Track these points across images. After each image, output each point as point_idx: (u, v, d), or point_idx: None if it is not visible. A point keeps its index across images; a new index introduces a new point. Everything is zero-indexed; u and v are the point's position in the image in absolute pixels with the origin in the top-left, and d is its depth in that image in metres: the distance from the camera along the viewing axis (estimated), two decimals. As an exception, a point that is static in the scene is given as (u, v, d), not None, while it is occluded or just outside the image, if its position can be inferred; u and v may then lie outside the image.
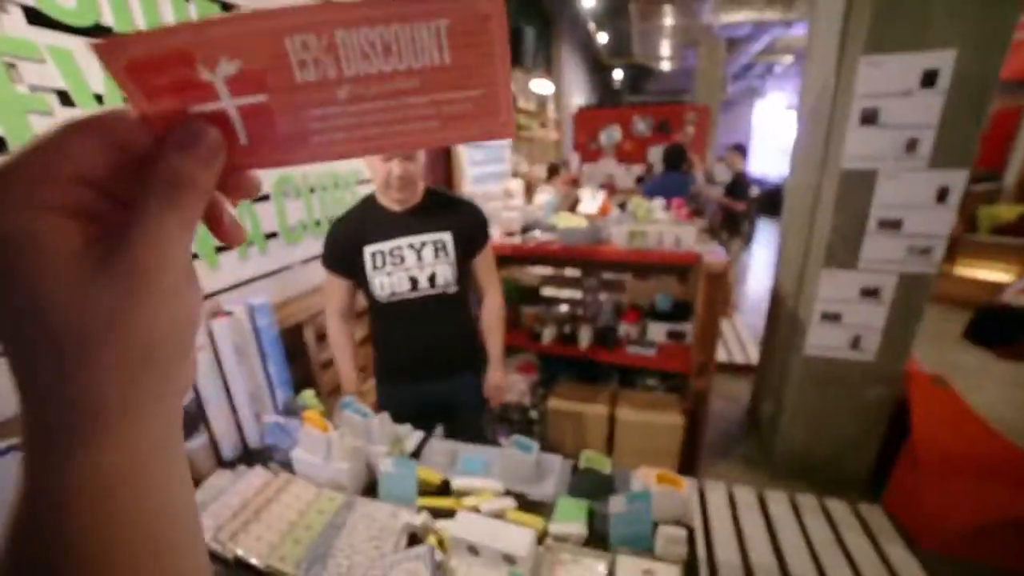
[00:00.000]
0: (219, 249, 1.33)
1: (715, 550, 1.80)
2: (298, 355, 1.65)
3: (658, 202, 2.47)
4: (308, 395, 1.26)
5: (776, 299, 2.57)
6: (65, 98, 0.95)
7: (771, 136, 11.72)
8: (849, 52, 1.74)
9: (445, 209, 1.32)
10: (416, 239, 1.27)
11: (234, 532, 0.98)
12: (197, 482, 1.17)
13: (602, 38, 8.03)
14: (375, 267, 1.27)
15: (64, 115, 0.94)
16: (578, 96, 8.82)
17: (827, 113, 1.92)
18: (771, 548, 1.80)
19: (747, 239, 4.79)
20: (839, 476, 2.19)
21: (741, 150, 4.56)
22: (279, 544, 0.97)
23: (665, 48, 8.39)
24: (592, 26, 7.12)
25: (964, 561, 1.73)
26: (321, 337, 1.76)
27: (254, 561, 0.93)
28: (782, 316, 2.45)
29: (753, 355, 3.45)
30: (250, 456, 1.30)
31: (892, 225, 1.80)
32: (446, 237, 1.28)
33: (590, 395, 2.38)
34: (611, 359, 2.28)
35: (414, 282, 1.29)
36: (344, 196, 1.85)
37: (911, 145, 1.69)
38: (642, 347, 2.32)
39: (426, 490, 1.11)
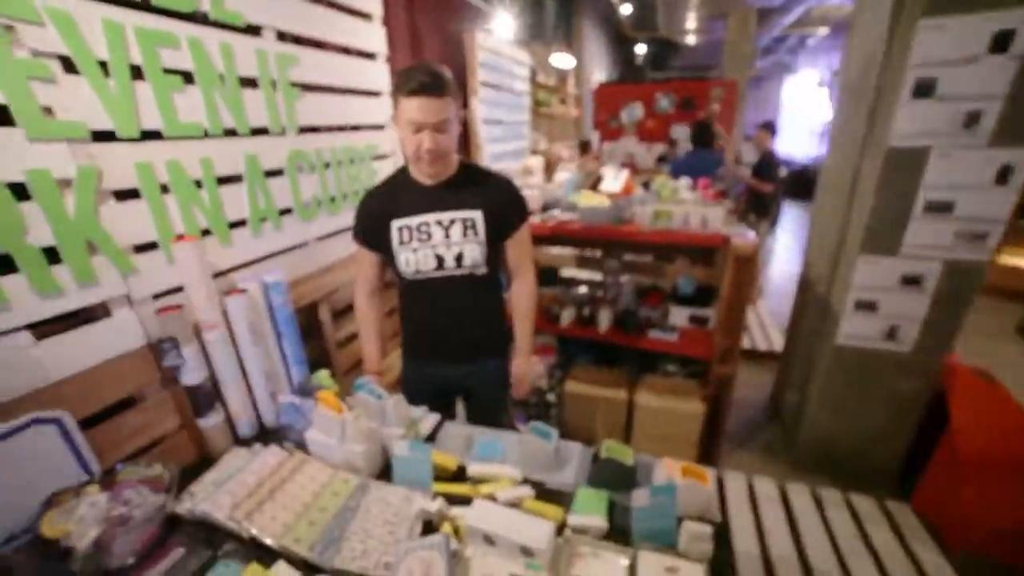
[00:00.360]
0: (232, 225, 1.29)
1: (734, 542, 1.76)
2: (313, 334, 1.63)
3: (684, 182, 2.36)
4: (323, 375, 1.23)
5: (805, 285, 2.46)
6: (69, 64, 0.91)
7: (800, 115, 11.21)
8: (905, 15, 1.59)
9: (478, 185, 1.25)
10: (445, 215, 1.21)
11: (249, 511, 0.97)
12: (214, 459, 1.16)
13: (625, 10, 7.69)
14: (401, 242, 1.22)
15: (68, 83, 0.90)
16: (599, 72, 8.53)
17: (873, 86, 1.78)
18: (792, 542, 1.75)
19: (774, 222, 4.61)
20: (864, 470, 2.12)
21: (771, 128, 4.34)
22: (294, 525, 0.95)
23: (691, 20, 8.01)
24: (616, -3, 6.81)
25: (999, 564, 1.66)
26: (337, 315, 1.74)
27: (269, 541, 0.92)
28: (811, 303, 2.34)
29: (777, 342, 3.35)
30: (266, 435, 1.29)
31: (941, 208, 1.67)
32: (476, 216, 1.21)
33: (609, 379, 2.34)
34: (631, 343, 2.22)
35: (440, 260, 1.23)
36: (360, 172, 1.80)
37: (971, 119, 1.54)
38: (664, 331, 2.25)
39: (441, 475, 1.09)
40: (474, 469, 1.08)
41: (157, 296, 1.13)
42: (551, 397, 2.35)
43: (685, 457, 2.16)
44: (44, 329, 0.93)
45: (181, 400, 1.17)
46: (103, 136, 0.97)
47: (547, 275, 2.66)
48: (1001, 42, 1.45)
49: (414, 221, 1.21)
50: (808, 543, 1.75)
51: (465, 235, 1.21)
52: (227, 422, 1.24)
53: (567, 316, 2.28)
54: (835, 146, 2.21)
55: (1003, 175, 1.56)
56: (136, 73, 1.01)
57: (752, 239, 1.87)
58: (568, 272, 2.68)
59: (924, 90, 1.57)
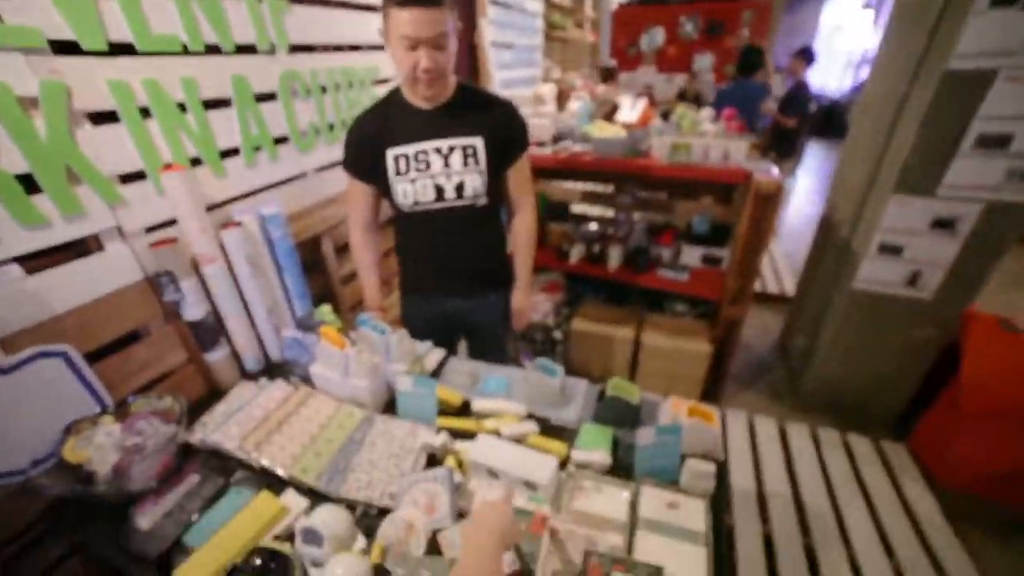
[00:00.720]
0: (224, 154, 1.22)
1: (731, 478, 1.81)
2: (316, 268, 1.60)
3: (706, 112, 2.19)
4: (325, 310, 1.22)
5: (826, 227, 2.35)
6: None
7: (838, 43, 10.23)
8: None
9: (478, 109, 1.15)
10: (444, 143, 1.13)
11: (258, 442, 0.99)
12: (222, 392, 1.18)
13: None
14: (398, 172, 1.15)
15: None
16: (619, -11, 7.76)
17: (937, -2, 1.56)
18: (787, 479, 1.81)
19: (797, 161, 4.36)
20: (867, 415, 2.14)
21: (807, 56, 3.94)
22: (301, 455, 0.97)
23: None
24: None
25: (981, 500, 1.70)
26: (340, 250, 1.70)
27: (279, 471, 0.94)
28: (831, 246, 2.25)
29: (788, 286, 3.29)
30: (272, 369, 1.30)
31: (997, 143, 1.52)
32: (477, 142, 1.13)
33: (616, 318, 2.32)
34: (640, 282, 2.18)
35: (440, 191, 1.16)
36: (360, 97, 1.67)
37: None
38: (674, 271, 2.19)
39: (446, 410, 1.10)
40: (479, 404, 1.08)
41: (150, 230, 1.08)
42: (557, 334, 2.36)
43: (689, 396, 2.20)
44: (37, 263, 0.90)
45: (185, 334, 1.17)
46: (65, 49, 0.87)
47: (557, 210, 2.57)
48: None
49: (411, 149, 1.13)
50: (803, 481, 1.80)
51: (466, 163, 1.14)
52: (233, 356, 1.25)
53: (576, 253, 2.22)
54: (879, 74, 2.00)
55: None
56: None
57: (776, 176, 1.75)
58: (578, 208, 2.59)
59: (1005, -3, 1.37)
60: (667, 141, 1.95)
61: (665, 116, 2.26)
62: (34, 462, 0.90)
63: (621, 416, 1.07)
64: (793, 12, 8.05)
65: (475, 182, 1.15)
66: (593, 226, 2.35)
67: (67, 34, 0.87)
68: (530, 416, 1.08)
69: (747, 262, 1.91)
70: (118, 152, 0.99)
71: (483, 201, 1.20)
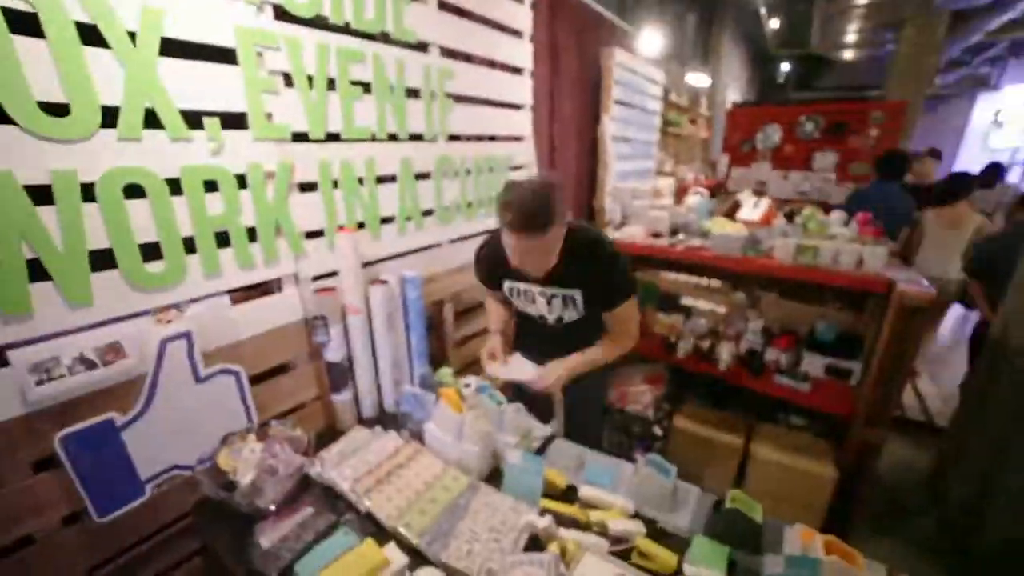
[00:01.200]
0: (384, 220, 1.42)
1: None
2: (435, 330, 1.72)
3: (837, 215, 2.08)
4: (446, 373, 1.29)
5: (998, 347, 2.01)
6: (287, 79, 1.08)
7: (995, 140, 8.96)
8: None
9: (581, 263, 1.19)
10: (548, 291, 1.26)
11: (368, 488, 1.03)
12: (339, 431, 1.28)
13: (773, 24, 7.11)
14: (510, 294, 1.33)
15: (285, 94, 1.07)
16: (734, 92, 8.00)
17: None
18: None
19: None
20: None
21: (936, 155, 3.56)
22: (406, 510, 0.99)
23: (851, 34, 7.11)
24: (763, 11, 6.31)
25: None
26: (458, 315, 1.83)
27: (384, 520, 0.97)
28: (1005, 372, 1.90)
29: (935, 412, 2.79)
30: (385, 418, 1.38)
31: None
32: (577, 294, 1.23)
33: (722, 421, 2.13)
34: (754, 386, 2.00)
35: (543, 319, 1.32)
36: (497, 180, 1.88)
37: None
38: (794, 379, 1.99)
39: (550, 492, 1.06)
40: (586, 492, 1.04)
41: (316, 278, 1.28)
42: (657, 430, 2.21)
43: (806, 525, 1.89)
44: (235, 296, 1.10)
45: (322, 373, 1.31)
46: (297, 137, 1.13)
47: (667, 301, 2.52)
48: None
49: (521, 286, 1.29)
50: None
51: (565, 306, 1.26)
52: (355, 400, 1.36)
53: (683, 347, 2.13)
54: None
55: None
56: (330, 85, 1.17)
57: (927, 287, 1.57)
58: (688, 300, 2.51)
59: None
60: (792, 242, 1.87)
61: (790, 217, 2.19)
62: (199, 460, 1.04)
63: (741, 535, 0.95)
64: (933, 111, 7.48)
65: (572, 316, 1.28)
66: (702, 321, 2.26)
67: (303, 127, 1.12)
68: (637, 514, 1.01)
69: (889, 378, 1.69)
70: (310, 213, 1.21)
71: (574, 317, 1.30)
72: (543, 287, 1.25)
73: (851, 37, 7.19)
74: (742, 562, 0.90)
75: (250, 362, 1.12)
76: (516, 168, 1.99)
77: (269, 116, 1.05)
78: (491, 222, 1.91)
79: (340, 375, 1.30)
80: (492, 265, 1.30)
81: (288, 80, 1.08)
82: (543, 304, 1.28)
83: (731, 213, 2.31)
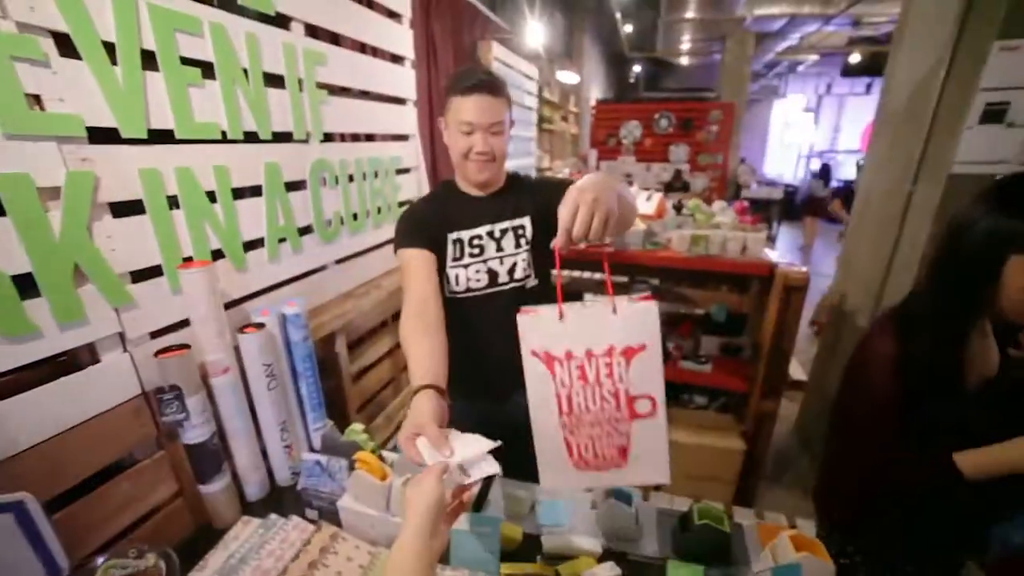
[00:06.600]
0: (248, 246, 1.09)
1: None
2: (326, 371, 1.42)
3: (719, 204, 2.25)
4: (356, 429, 1.03)
5: (839, 312, 2.36)
6: (67, 45, 0.71)
7: (788, 138, 11.57)
8: (971, 38, 1.52)
9: (530, 193, 1.15)
10: (495, 227, 1.11)
11: (271, 614, 0.76)
12: (220, 532, 0.95)
13: (627, 29, 7.74)
14: (454, 258, 1.11)
15: (62, 66, 0.71)
16: (596, 90, 8.56)
17: (929, 110, 1.70)
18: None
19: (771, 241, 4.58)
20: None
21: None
22: (331, 633, 0.75)
23: (687, 43, 8.12)
24: (618, 16, 6.81)
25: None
26: (351, 347, 1.54)
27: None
28: (846, 331, 2.24)
29: (796, 370, 3.24)
30: (281, 497, 1.08)
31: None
32: (525, 221, 1.13)
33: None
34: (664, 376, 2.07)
35: (493, 276, 1.12)
36: (383, 186, 1.62)
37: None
38: (696, 362, 2.11)
39: (507, 550, 0.90)
40: (549, 543, 0.90)
41: (156, 334, 0.92)
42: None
43: (723, 497, 2.01)
44: (7, 381, 0.72)
45: (180, 461, 0.96)
46: (101, 135, 0.77)
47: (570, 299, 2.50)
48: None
49: (466, 235, 1.11)
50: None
51: (517, 244, 1.13)
52: (235, 484, 1.02)
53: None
54: (876, 172, 2.13)
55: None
56: (148, 61, 0.82)
57: (803, 268, 1.75)
58: (590, 297, 2.53)
59: (995, 114, 1.49)
60: (686, 234, 1.96)
61: (678, 208, 2.31)
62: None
63: (714, 549, 0.91)
64: (747, 111, 9.03)
65: (525, 261, 1.13)
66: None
67: (108, 121, 0.76)
68: (606, 553, 0.90)
69: (779, 352, 1.85)
70: (136, 245, 0.85)
71: (532, 283, 1.14)
72: (491, 223, 1.11)
73: (686, 45, 8.21)
74: (716, 577, 0.85)
75: (45, 481, 0.73)
76: (403, 171, 1.75)
77: (36, 100, 0.68)
78: (383, 234, 1.65)
79: (208, 458, 0.96)
80: (431, 215, 1.12)
81: (66, 46, 0.71)
82: (492, 250, 1.11)
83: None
